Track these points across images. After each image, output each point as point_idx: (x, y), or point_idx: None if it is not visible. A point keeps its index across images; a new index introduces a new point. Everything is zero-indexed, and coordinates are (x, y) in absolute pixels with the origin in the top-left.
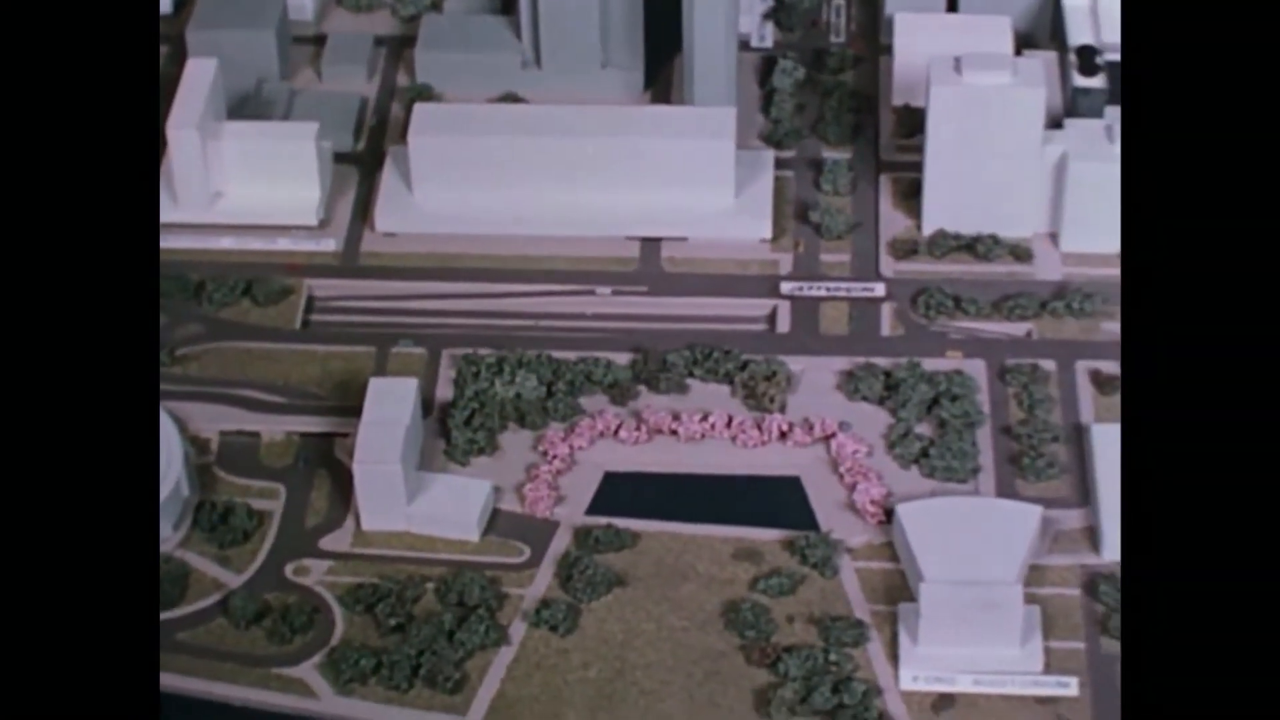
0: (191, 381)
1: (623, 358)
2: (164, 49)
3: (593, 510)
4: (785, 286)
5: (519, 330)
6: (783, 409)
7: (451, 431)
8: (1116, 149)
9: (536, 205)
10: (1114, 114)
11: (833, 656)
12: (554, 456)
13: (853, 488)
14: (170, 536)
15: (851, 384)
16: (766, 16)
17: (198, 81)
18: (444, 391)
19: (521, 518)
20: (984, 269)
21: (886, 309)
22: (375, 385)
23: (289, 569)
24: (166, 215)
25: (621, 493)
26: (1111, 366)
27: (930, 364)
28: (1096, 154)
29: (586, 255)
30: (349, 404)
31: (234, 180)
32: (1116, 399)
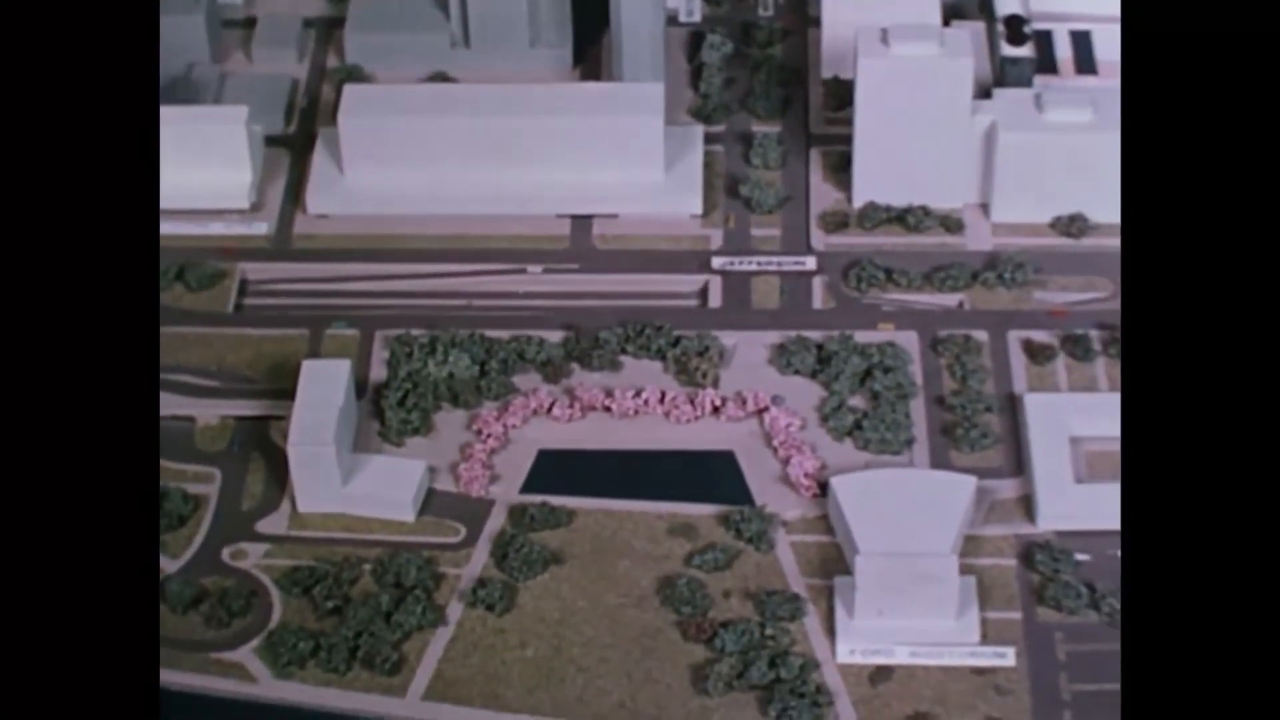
0: None
1: (555, 336)
2: None
3: (527, 488)
4: (716, 261)
5: (451, 310)
6: (715, 384)
7: (385, 412)
8: (1045, 118)
9: (467, 185)
10: (1042, 83)
11: (769, 631)
12: (488, 435)
13: (787, 461)
14: None
15: (784, 358)
16: None
17: None
18: (377, 372)
19: (457, 497)
20: (915, 240)
21: (818, 282)
22: (308, 367)
23: (226, 553)
24: None
25: (556, 470)
26: (1043, 336)
27: (862, 336)
28: (1026, 124)
29: (518, 234)
30: (283, 387)
31: (165, 165)
32: (1049, 368)
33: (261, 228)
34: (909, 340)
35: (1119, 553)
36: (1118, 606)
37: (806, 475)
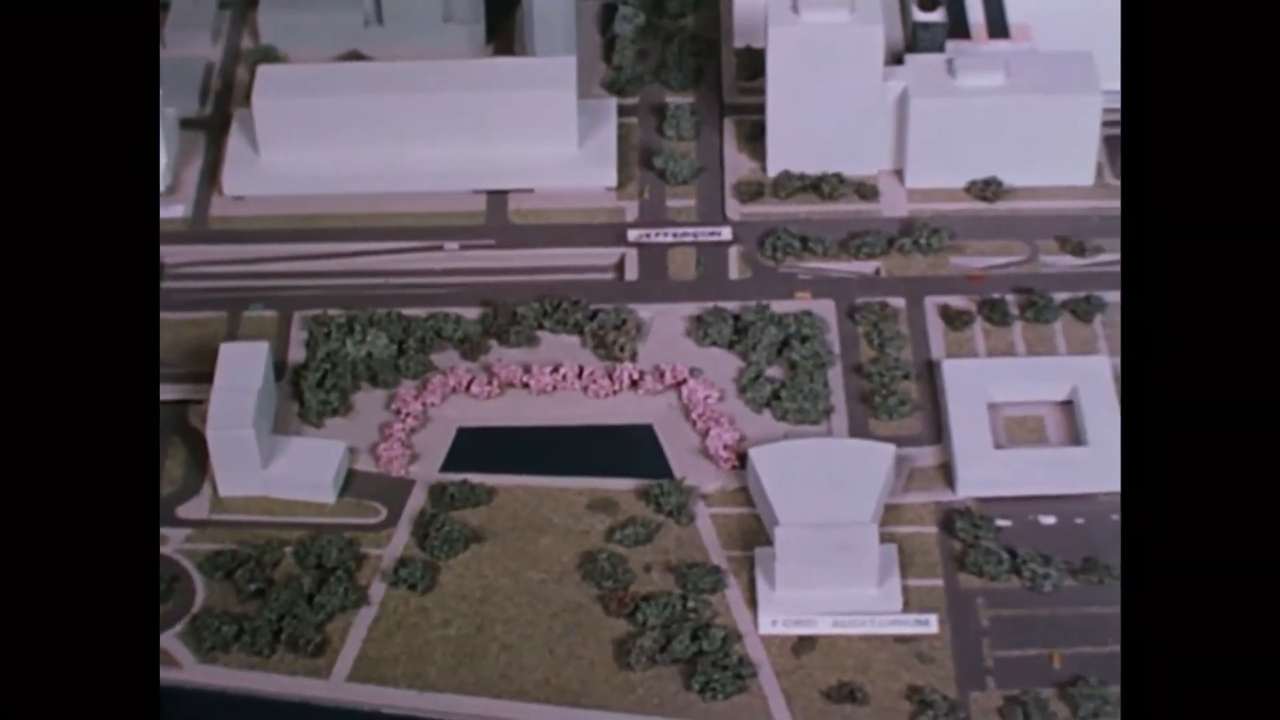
0: None
1: (472, 312)
2: None
3: (447, 467)
4: (632, 234)
5: (369, 289)
6: (633, 357)
7: (304, 393)
8: (958, 83)
9: (383, 163)
10: (954, 48)
11: (691, 604)
12: (407, 414)
13: (705, 434)
14: None
15: (701, 329)
16: None
17: None
18: (296, 353)
19: (377, 477)
20: (830, 208)
21: (734, 252)
22: (226, 350)
23: None
24: None
25: (475, 448)
26: (960, 302)
27: (779, 306)
28: (938, 89)
29: (434, 211)
30: (202, 370)
31: None
32: (966, 334)
33: (178, 210)
34: (826, 309)
35: (1039, 518)
36: (1040, 571)
37: (725, 447)
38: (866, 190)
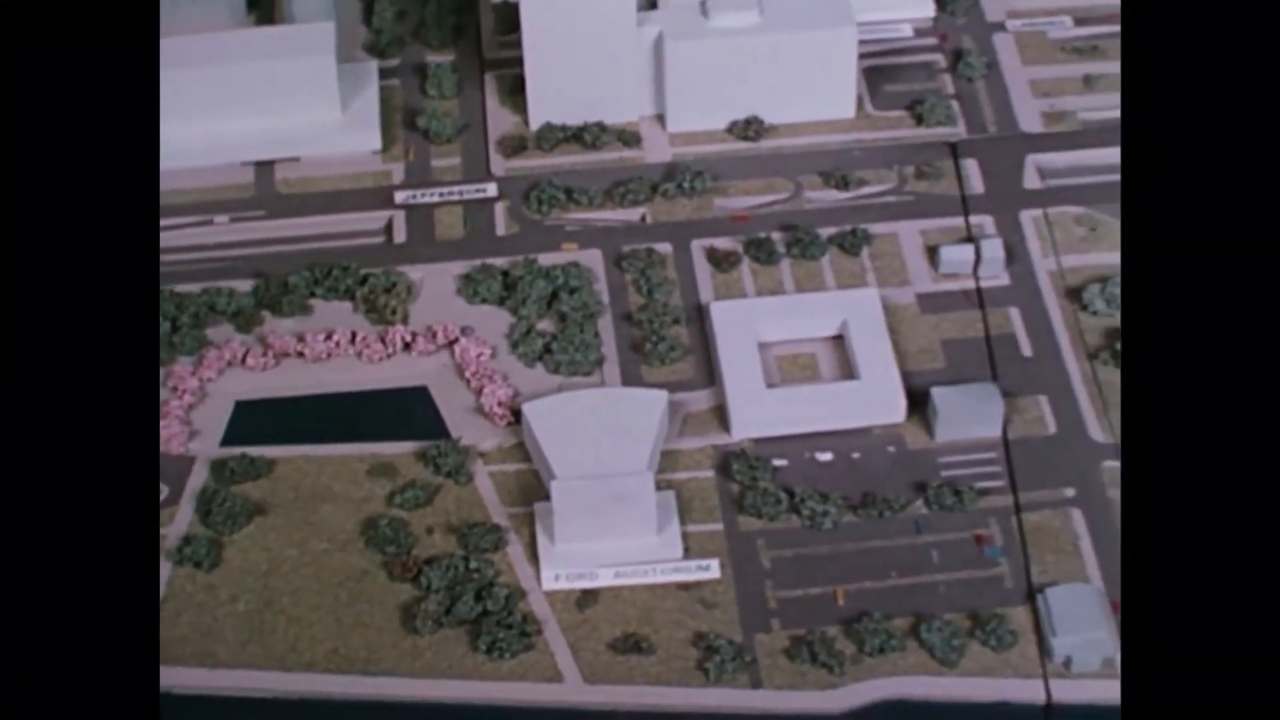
0: None
1: (245, 285)
2: None
3: (227, 441)
4: (399, 196)
5: None
6: (405, 319)
7: None
8: (712, 24)
9: None
10: None
11: (473, 564)
12: (184, 391)
13: (480, 392)
14: None
15: (470, 287)
16: None
17: None
18: None
19: None
20: (594, 158)
21: (499, 208)
22: None
23: None
24: None
25: (254, 421)
26: (726, 243)
27: (546, 259)
28: (692, 31)
29: (202, 185)
30: None
31: None
32: (734, 275)
33: None
34: (593, 259)
35: (816, 455)
36: (819, 509)
37: (500, 404)
38: (629, 137)
